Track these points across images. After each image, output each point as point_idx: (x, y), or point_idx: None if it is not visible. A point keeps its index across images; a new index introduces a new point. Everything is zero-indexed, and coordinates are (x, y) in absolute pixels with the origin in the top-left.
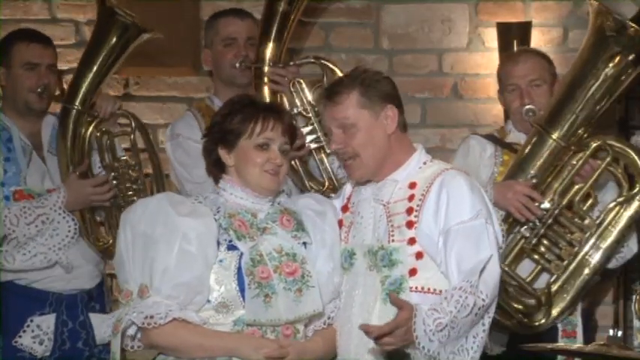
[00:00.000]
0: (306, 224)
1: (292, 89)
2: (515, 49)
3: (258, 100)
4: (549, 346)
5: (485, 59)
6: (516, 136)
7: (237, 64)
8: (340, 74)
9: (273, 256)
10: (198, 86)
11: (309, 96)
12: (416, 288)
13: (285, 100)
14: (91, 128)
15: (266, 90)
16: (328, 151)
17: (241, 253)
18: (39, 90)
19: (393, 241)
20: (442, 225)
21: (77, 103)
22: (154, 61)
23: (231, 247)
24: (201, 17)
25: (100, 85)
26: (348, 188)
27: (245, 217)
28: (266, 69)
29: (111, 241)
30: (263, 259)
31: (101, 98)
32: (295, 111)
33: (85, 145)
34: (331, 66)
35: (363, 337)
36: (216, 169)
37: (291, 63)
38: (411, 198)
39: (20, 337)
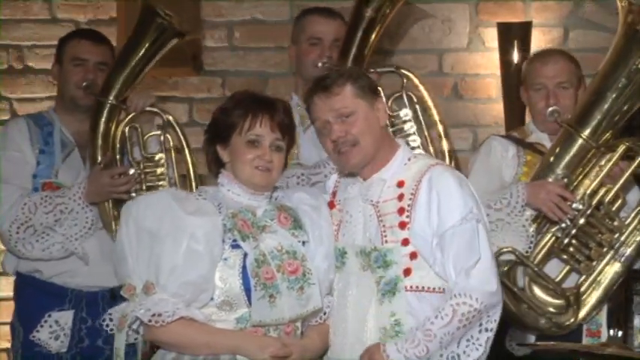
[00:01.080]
0: (303, 220)
1: None
2: (515, 49)
3: (255, 96)
4: (551, 343)
5: (486, 59)
6: (538, 137)
7: (320, 64)
8: (421, 86)
9: (275, 254)
10: (199, 86)
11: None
12: (411, 287)
13: None
14: (122, 124)
15: None
16: None
17: (245, 253)
18: (84, 84)
19: (386, 242)
20: (435, 226)
21: (111, 98)
22: (155, 62)
23: (235, 246)
24: (202, 17)
25: (135, 81)
26: (330, 183)
27: (246, 215)
28: None
29: None
30: (266, 258)
31: (134, 93)
32: None
33: (117, 140)
34: (412, 76)
35: (358, 337)
36: (215, 165)
37: (372, 70)
38: (400, 197)
39: (38, 331)
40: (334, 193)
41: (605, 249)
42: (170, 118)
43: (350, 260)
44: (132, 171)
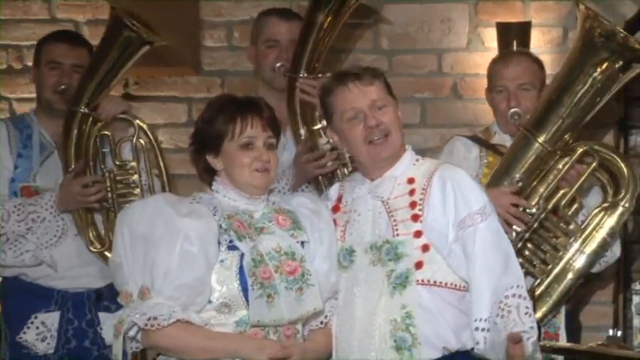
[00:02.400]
0: (303, 223)
1: None
2: (514, 49)
3: (235, 99)
4: (548, 344)
5: (485, 59)
6: (501, 138)
7: (278, 66)
8: None
9: (273, 255)
10: (199, 86)
11: None
12: (422, 281)
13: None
14: (93, 131)
15: (297, 99)
16: (350, 169)
17: (242, 254)
18: (60, 89)
19: (397, 234)
20: (453, 218)
21: (82, 106)
22: (154, 61)
23: (232, 247)
24: (201, 17)
25: (106, 89)
26: (334, 190)
27: (243, 217)
28: (299, 79)
29: (106, 246)
30: (263, 259)
31: (106, 101)
32: (325, 123)
33: (89, 147)
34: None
35: (368, 331)
36: (208, 174)
37: (320, 75)
38: (412, 192)
39: (25, 333)
40: (340, 198)
41: (560, 253)
42: (141, 124)
43: (358, 258)
44: (104, 185)
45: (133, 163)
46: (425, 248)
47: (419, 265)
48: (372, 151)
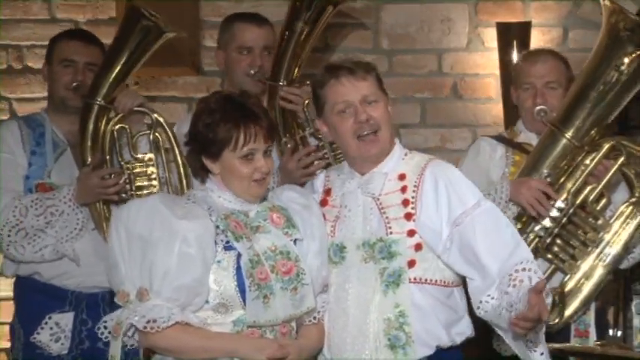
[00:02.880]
0: (295, 219)
1: (305, 109)
2: (514, 49)
3: (236, 102)
4: (551, 345)
5: (485, 59)
6: (527, 136)
7: (252, 73)
8: None
9: (269, 255)
10: (198, 86)
11: None
12: (414, 279)
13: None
14: (110, 124)
15: (277, 107)
16: None
17: (239, 254)
18: (74, 85)
19: (391, 233)
20: (446, 217)
21: (99, 99)
22: (154, 61)
23: (228, 248)
24: (201, 17)
25: (123, 81)
26: (319, 181)
27: (239, 217)
28: (281, 87)
29: None
30: (260, 259)
31: (122, 94)
32: (308, 131)
33: (106, 140)
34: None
35: (361, 329)
36: (202, 171)
37: (308, 83)
38: (403, 189)
39: (38, 333)
40: (327, 191)
41: (589, 248)
42: (159, 117)
43: (350, 254)
44: (122, 177)
45: (151, 155)
46: (418, 247)
47: (411, 263)
48: (362, 148)
